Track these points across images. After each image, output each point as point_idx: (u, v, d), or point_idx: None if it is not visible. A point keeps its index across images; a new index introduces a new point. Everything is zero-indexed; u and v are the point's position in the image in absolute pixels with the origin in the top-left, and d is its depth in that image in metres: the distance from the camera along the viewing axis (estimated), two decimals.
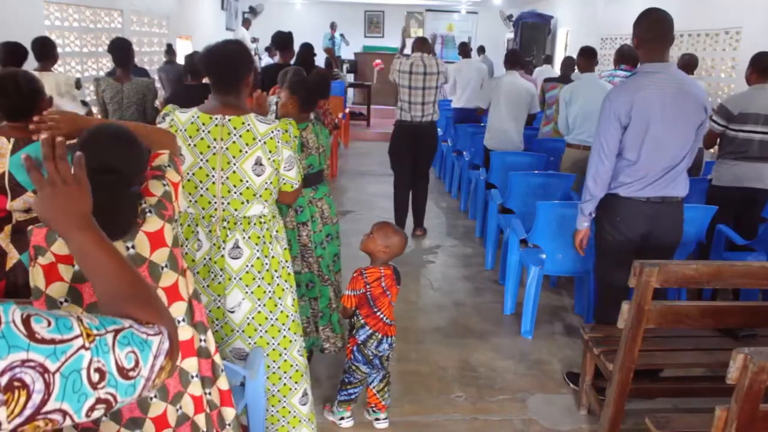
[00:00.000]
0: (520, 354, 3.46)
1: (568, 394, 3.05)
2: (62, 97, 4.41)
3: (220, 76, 2.16)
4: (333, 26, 13.63)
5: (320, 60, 8.56)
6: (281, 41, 5.53)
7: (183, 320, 1.65)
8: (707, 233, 3.64)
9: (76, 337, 0.88)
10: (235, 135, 2.12)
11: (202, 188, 2.18)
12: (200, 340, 1.72)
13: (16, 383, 0.81)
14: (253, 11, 13.97)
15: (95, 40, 7.16)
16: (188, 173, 2.15)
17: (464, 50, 8.05)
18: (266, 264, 2.24)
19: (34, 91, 2.29)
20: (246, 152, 2.13)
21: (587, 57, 5.06)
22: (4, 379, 0.80)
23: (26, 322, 0.85)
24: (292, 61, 5.43)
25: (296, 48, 5.53)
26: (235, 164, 2.13)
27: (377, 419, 2.72)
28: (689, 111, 2.69)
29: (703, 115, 2.72)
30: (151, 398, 1.61)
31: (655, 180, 2.73)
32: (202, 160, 2.16)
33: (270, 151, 2.14)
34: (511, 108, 5.42)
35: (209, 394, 1.80)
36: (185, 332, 1.65)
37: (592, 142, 2.86)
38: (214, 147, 2.13)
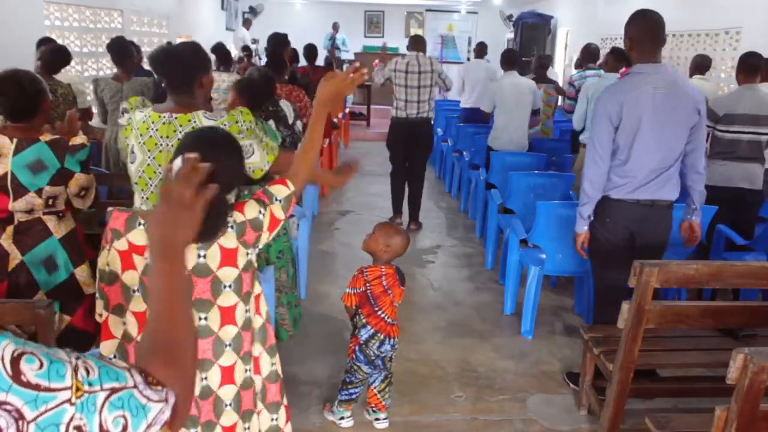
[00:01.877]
0: (520, 354, 3.46)
1: (568, 394, 3.05)
2: (76, 94, 4.43)
3: (169, 76, 2.16)
4: (335, 26, 13.62)
5: (320, 59, 8.57)
6: (273, 44, 5.44)
7: (229, 345, 1.65)
8: (707, 233, 3.64)
9: (65, 389, 0.80)
10: (180, 132, 2.12)
11: (151, 185, 2.20)
12: (245, 371, 1.71)
13: None
14: (253, 11, 13.97)
15: (95, 40, 7.16)
16: (139, 170, 2.16)
17: (479, 50, 8.00)
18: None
19: (37, 91, 2.29)
20: None
21: (617, 57, 5.02)
22: None
23: (15, 360, 0.78)
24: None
25: (298, 49, 5.52)
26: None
27: (377, 419, 2.72)
28: (681, 112, 2.69)
29: (696, 117, 2.72)
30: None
31: (645, 182, 2.74)
32: (149, 157, 2.16)
33: None
34: (517, 107, 5.43)
35: (275, 420, 1.82)
36: (229, 358, 1.65)
37: (587, 146, 2.87)
38: (161, 144, 2.14)
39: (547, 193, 4.37)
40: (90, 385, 0.82)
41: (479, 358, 3.38)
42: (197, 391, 1.61)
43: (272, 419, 1.82)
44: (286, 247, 3.19)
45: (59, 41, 6.23)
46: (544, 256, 3.66)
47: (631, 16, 2.74)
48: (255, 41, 11.92)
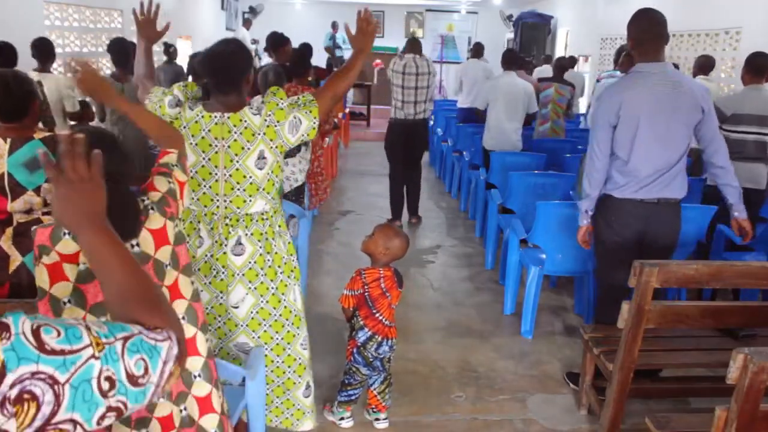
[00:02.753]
0: (520, 354, 3.46)
1: (568, 394, 3.05)
2: (63, 98, 4.42)
3: (221, 77, 2.16)
4: (335, 26, 13.62)
5: (321, 60, 8.56)
6: (272, 42, 5.50)
7: (183, 318, 1.65)
8: (707, 233, 3.64)
9: (86, 347, 0.87)
10: (235, 133, 2.13)
11: (204, 186, 2.19)
12: (206, 340, 1.72)
13: (26, 395, 0.80)
14: (253, 11, 13.97)
15: (95, 40, 7.16)
16: (191, 171, 2.15)
17: (476, 50, 8.02)
18: (269, 260, 2.24)
19: (26, 92, 2.28)
20: (248, 149, 2.13)
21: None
22: (14, 392, 0.79)
23: (36, 333, 0.84)
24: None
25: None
26: (238, 161, 2.13)
27: (377, 419, 2.72)
28: (683, 111, 2.69)
29: (699, 114, 2.72)
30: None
31: (649, 182, 2.74)
32: (204, 158, 2.16)
33: (271, 140, 2.14)
34: (510, 108, 5.43)
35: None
36: (188, 330, 1.66)
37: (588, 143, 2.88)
38: (216, 146, 2.14)
39: (547, 193, 4.37)
40: (106, 337, 0.88)
41: (479, 358, 3.38)
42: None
43: (219, 396, 1.81)
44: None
45: (59, 41, 6.26)
46: (544, 256, 3.66)
47: (633, 15, 2.74)
48: (255, 41, 11.91)
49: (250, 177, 2.14)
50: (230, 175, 2.16)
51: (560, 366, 3.32)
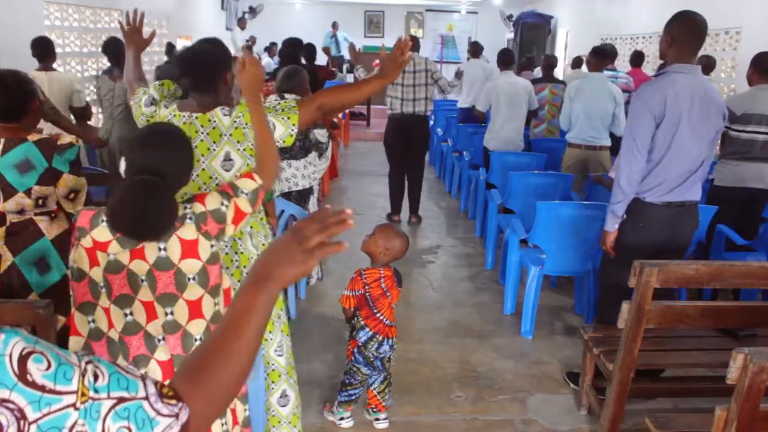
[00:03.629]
0: (520, 354, 3.46)
1: (568, 394, 3.05)
2: (71, 94, 4.44)
3: (195, 76, 2.14)
4: (335, 26, 13.63)
5: (320, 59, 8.56)
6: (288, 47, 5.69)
7: (198, 339, 1.65)
8: (707, 233, 3.64)
9: (70, 393, 0.79)
10: (202, 133, 2.11)
11: None
12: None
13: None
14: (253, 11, 13.96)
15: (95, 40, 7.16)
16: None
17: (474, 50, 8.04)
18: (235, 260, 2.21)
19: (25, 92, 2.27)
20: (214, 150, 2.10)
21: (598, 57, 5.05)
22: None
23: (23, 359, 0.77)
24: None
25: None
26: (204, 162, 2.12)
27: (377, 419, 2.72)
28: (712, 116, 2.68)
29: (722, 122, 2.72)
30: None
31: (677, 185, 2.72)
32: None
33: (238, 142, 2.10)
34: (512, 107, 5.44)
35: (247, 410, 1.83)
36: None
37: (623, 140, 2.79)
38: None
39: (547, 193, 4.37)
40: (96, 391, 0.80)
41: (479, 358, 3.38)
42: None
43: (245, 409, 1.82)
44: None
45: (59, 41, 6.26)
46: (544, 256, 3.65)
47: (675, 14, 2.71)
48: (250, 42, 11.86)
49: (217, 178, 2.11)
50: (197, 176, 2.14)
51: (560, 366, 3.32)
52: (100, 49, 7.08)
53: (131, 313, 1.60)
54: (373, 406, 2.72)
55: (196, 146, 2.11)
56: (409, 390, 3.02)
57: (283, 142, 2.16)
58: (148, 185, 1.49)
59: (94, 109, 5.12)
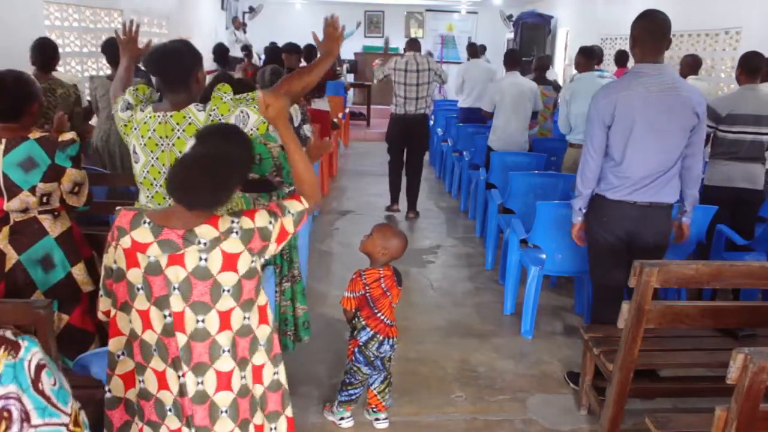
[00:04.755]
0: (520, 354, 3.46)
1: (568, 394, 3.05)
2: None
3: (166, 75, 2.16)
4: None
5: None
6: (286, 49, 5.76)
7: (227, 351, 1.64)
8: (707, 233, 3.64)
9: (66, 414, 0.89)
10: (178, 130, 2.13)
11: (156, 185, 2.20)
12: (242, 377, 1.71)
13: (5, 413, 0.82)
14: (253, 11, 13.96)
15: (95, 40, 7.16)
16: (143, 171, 2.17)
17: (472, 50, 8.05)
18: None
19: (25, 93, 2.28)
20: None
21: (585, 56, 5.07)
22: None
23: (38, 369, 0.87)
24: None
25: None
26: None
27: (377, 419, 2.72)
28: (677, 115, 2.67)
29: (695, 119, 2.70)
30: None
31: (643, 185, 2.74)
32: (152, 158, 2.17)
33: None
34: (517, 108, 5.45)
35: (274, 429, 1.81)
36: (227, 363, 1.65)
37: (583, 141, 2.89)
38: (162, 145, 2.14)
39: (547, 193, 4.37)
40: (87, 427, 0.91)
41: (479, 358, 3.38)
42: (191, 393, 1.61)
43: (271, 428, 1.80)
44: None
45: (59, 41, 6.25)
46: (544, 256, 3.66)
47: (639, 14, 2.73)
48: (247, 48, 11.81)
49: None
50: None
51: (560, 366, 3.32)
52: (100, 50, 7.10)
53: (170, 315, 1.60)
54: (373, 406, 2.72)
55: (173, 144, 2.12)
56: (409, 390, 3.02)
57: (257, 129, 2.17)
58: (209, 156, 1.59)
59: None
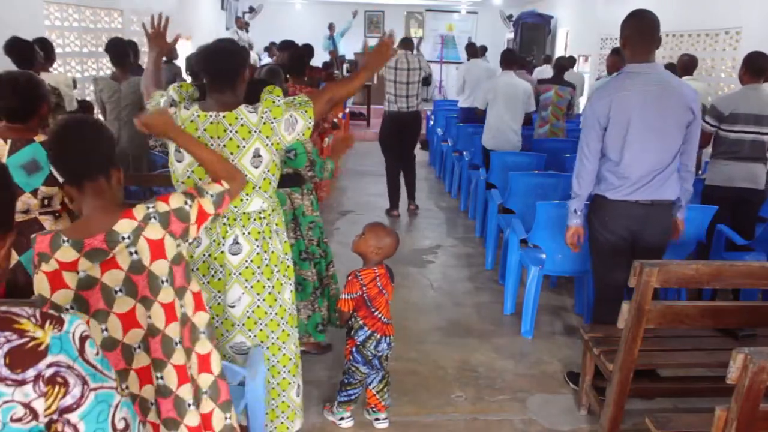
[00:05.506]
0: (520, 354, 3.46)
1: (568, 394, 3.05)
2: (64, 98, 4.42)
3: (216, 75, 2.16)
4: (331, 27, 13.62)
5: (318, 60, 8.58)
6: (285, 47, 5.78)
7: (178, 343, 1.63)
8: (707, 233, 3.64)
9: (112, 379, 0.96)
10: (231, 131, 2.13)
11: None
12: (188, 367, 1.70)
13: (59, 379, 0.89)
14: (253, 11, 13.96)
15: (95, 40, 7.16)
16: (187, 171, 2.15)
17: (471, 50, 8.06)
18: (266, 259, 2.24)
19: (35, 95, 2.28)
20: (244, 147, 2.13)
21: (617, 57, 5.05)
22: (49, 372, 0.88)
23: (83, 339, 0.94)
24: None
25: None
26: (233, 160, 2.13)
27: (377, 419, 2.72)
28: (673, 112, 2.68)
29: (690, 116, 2.71)
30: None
31: (643, 184, 2.74)
32: None
33: (267, 137, 2.14)
34: (510, 107, 5.45)
35: (229, 419, 1.82)
36: (180, 357, 1.64)
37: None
38: (212, 144, 2.14)
39: (547, 193, 4.36)
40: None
41: (479, 358, 3.38)
42: (154, 390, 1.62)
43: (225, 418, 1.80)
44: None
45: (59, 41, 6.26)
46: (544, 256, 3.66)
47: (627, 15, 2.75)
48: (250, 46, 11.83)
49: (246, 175, 2.14)
50: None
51: (560, 366, 3.32)
52: (100, 49, 7.10)
53: (107, 329, 1.58)
54: (373, 405, 2.72)
55: (224, 145, 2.12)
56: (409, 390, 3.02)
57: (303, 134, 2.24)
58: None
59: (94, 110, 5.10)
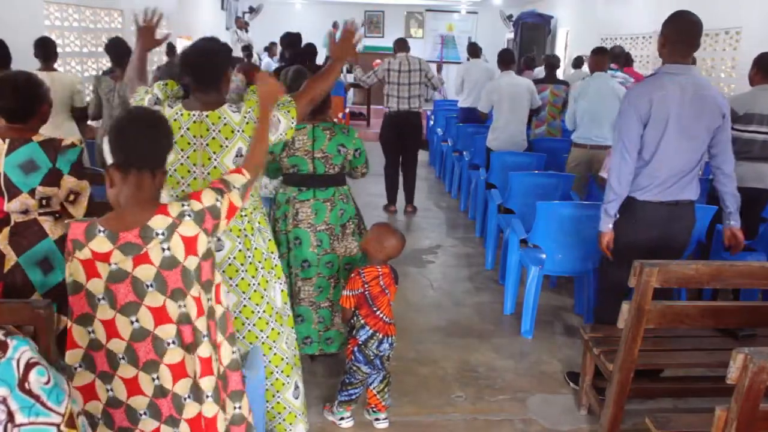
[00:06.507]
0: (520, 354, 3.46)
1: (568, 394, 3.05)
2: (72, 95, 4.45)
3: (199, 74, 2.16)
4: (335, 26, 13.62)
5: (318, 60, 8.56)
6: (288, 42, 5.73)
7: (207, 336, 1.66)
8: (707, 233, 3.64)
9: (58, 413, 0.87)
10: (214, 131, 2.13)
11: (183, 184, 2.20)
12: (215, 360, 1.73)
13: None
14: (253, 11, 13.95)
15: (95, 40, 7.17)
16: (170, 169, 2.16)
17: (472, 50, 8.07)
18: (249, 256, 2.23)
19: (35, 95, 2.27)
20: (226, 146, 2.13)
21: (598, 56, 5.05)
22: None
23: (28, 367, 0.86)
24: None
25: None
26: (215, 159, 2.13)
27: (377, 419, 2.72)
28: (706, 115, 2.68)
29: (720, 119, 2.71)
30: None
31: (671, 185, 2.73)
32: (183, 156, 2.17)
33: (250, 137, 2.14)
34: (515, 107, 5.45)
35: (239, 408, 1.83)
36: (206, 349, 1.66)
37: (613, 141, 2.84)
38: (194, 144, 2.14)
39: (547, 193, 4.36)
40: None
41: (479, 358, 3.38)
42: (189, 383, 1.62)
43: (235, 407, 1.81)
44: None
45: (59, 41, 6.25)
46: (544, 256, 3.65)
47: (672, 14, 2.72)
48: (247, 47, 11.82)
49: None
50: (208, 173, 2.16)
51: (560, 366, 3.32)
52: (100, 49, 7.11)
53: (137, 320, 1.60)
54: (373, 405, 2.72)
55: (207, 144, 2.12)
56: (409, 390, 3.02)
57: (285, 134, 2.25)
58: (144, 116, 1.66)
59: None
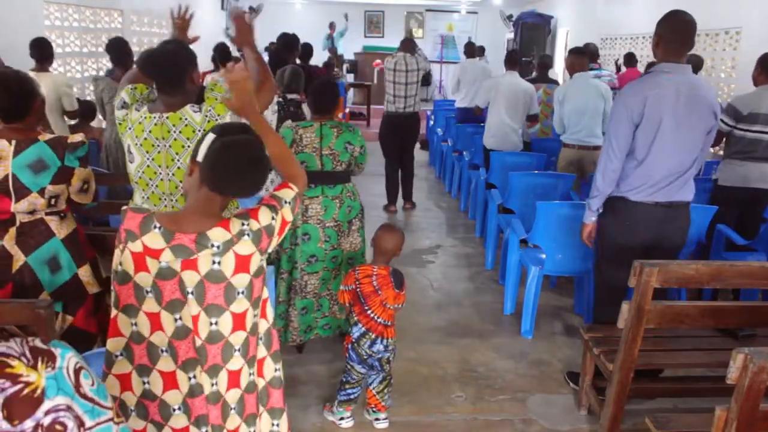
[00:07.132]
0: (520, 354, 3.46)
1: (568, 394, 3.05)
2: (60, 97, 4.43)
3: (161, 77, 2.16)
4: (332, 26, 13.62)
5: (318, 60, 8.57)
6: (286, 43, 5.73)
7: (238, 350, 1.64)
8: (707, 233, 3.64)
9: (109, 409, 0.93)
10: (175, 132, 2.14)
11: (152, 185, 2.21)
12: (249, 374, 1.71)
13: (58, 427, 0.85)
14: (253, 11, 13.93)
15: (95, 40, 7.17)
16: (138, 171, 2.17)
17: (470, 50, 8.07)
18: None
19: (26, 92, 2.27)
20: (188, 147, 2.14)
21: (577, 56, 5.05)
22: (48, 420, 0.84)
23: (77, 372, 0.89)
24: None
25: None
26: (179, 160, 2.14)
27: (377, 419, 2.72)
28: (700, 115, 2.68)
29: (713, 121, 2.71)
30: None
31: (664, 186, 2.73)
32: (148, 159, 2.18)
33: None
34: (511, 108, 5.44)
35: (276, 425, 1.83)
36: (237, 362, 1.65)
37: (604, 139, 2.85)
38: (158, 145, 2.15)
39: (547, 193, 4.37)
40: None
41: (479, 358, 3.38)
42: (207, 393, 1.61)
43: (273, 424, 1.80)
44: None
45: (59, 41, 6.26)
46: (544, 256, 3.66)
47: (667, 13, 2.72)
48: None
49: None
50: (173, 174, 2.17)
51: (560, 366, 3.32)
52: (100, 49, 7.11)
53: (180, 318, 1.59)
54: (373, 405, 2.72)
55: (170, 145, 2.13)
56: (409, 390, 3.02)
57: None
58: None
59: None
